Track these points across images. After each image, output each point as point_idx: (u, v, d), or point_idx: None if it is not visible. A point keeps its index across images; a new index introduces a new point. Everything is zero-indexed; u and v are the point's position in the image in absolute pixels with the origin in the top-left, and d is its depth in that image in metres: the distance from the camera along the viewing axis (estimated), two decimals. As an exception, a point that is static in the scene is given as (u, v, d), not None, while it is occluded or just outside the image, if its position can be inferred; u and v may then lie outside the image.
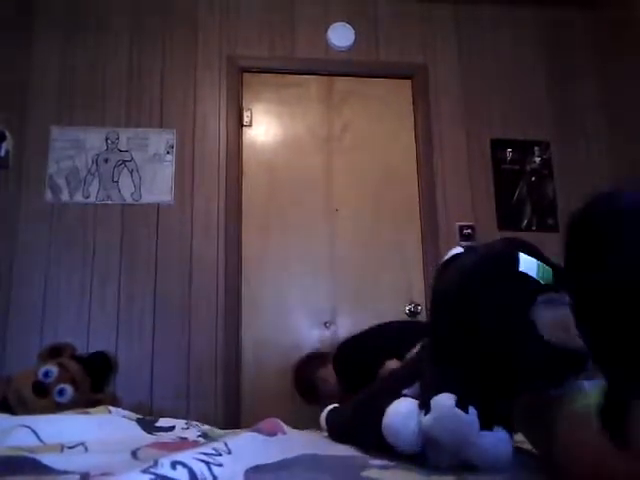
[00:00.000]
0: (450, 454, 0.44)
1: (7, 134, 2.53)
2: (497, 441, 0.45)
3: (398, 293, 2.67)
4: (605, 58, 3.00)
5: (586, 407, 0.47)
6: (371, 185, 2.83)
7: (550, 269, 0.47)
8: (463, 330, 0.47)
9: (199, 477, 0.33)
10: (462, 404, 0.44)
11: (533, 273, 0.46)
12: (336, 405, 0.68)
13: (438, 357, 0.50)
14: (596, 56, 3.06)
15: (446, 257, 0.54)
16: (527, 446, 0.64)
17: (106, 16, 2.81)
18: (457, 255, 0.53)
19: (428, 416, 0.44)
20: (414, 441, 0.45)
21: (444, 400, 0.44)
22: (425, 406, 0.45)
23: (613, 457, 0.43)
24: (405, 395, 0.51)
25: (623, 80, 2.88)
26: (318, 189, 2.80)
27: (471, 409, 0.44)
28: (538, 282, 0.46)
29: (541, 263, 0.47)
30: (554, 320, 0.44)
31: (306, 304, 2.66)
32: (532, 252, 0.48)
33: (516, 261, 0.46)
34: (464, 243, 0.56)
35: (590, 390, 0.48)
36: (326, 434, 0.65)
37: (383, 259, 2.74)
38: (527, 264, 0.46)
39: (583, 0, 3.05)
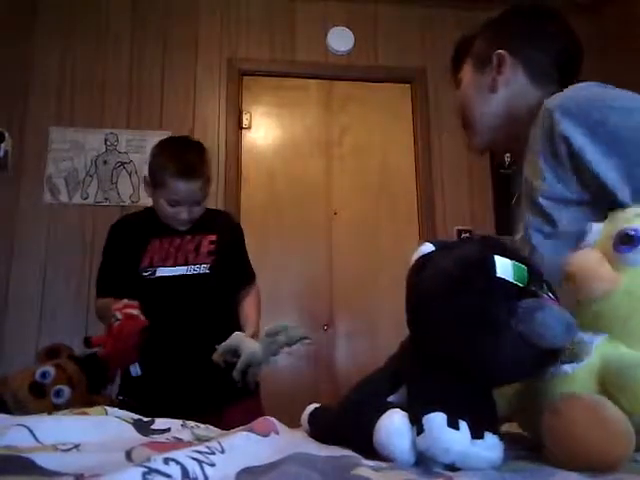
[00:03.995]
0: (444, 465, 0.46)
1: (6, 135, 2.53)
2: (488, 448, 0.47)
3: (396, 296, 2.66)
4: (605, 58, 3.01)
5: (569, 392, 0.48)
6: (370, 189, 2.83)
7: (524, 267, 0.48)
8: (445, 338, 0.48)
9: (191, 475, 0.34)
10: (453, 420, 0.46)
11: (509, 276, 0.47)
12: (317, 405, 0.67)
13: (422, 363, 0.51)
14: (596, 57, 3.06)
15: (416, 255, 0.54)
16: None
17: (106, 18, 2.82)
18: (429, 254, 0.53)
19: (421, 438, 0.46)
20: (408, 457, 0.47)
21: (435, 420, 0.46)
22: (417, 423, 0.46)
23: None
24: (391, 403, 0.52)
25: (623, 80, 2.88)
26: (317, 192, 2.80)
27: (462, 423, 0.46)
28: (516, 285, 0.47)
29: (516, 263, 0.48)
30: (535, 324, 0.45)
31: (304, 307, 2.66)
32: (504, 251, 0.48)
33: (493, 266, 0.47)
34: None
35: (575, 373, 0.50)
36: (306, 434, 0.65)
37: (381, 262, 2.75)
38: (503, 267, 0.47)
39: (583, 2, 3.07)
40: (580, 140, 0.81)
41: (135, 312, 1.34)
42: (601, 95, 0.85)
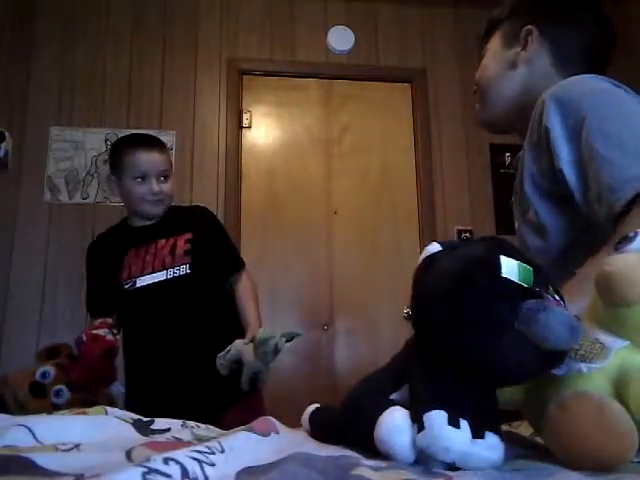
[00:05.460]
0: (444, 464, 0.46)
1: (6, 135, 2.54)
2: (489, 448, 0.47)
3: (396, 296, 2.67)
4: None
5: (583, 391, 0.48)
6: (370, 188, 2.83)
7: (530, 268, 0.48)
8: (448, 337, 0.48)
9: (191, 475, 0.34)
10: (454, 419, 0.46)
11: (514, 276, 0.47)
12: (318, 405, 0.67)
13: (424, 361, 0.51)
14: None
15: (424, 255, 0.54)
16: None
17: (106, 17, 2.82)
18: (435, 254, 0.53)
19: (421, 435, 0.46)
20: (408, 455, 0.47)
21: (436, 418, 0.46)
22: (418, 421, 0.46)
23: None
24: (393, 400, 0.52)
25: (623, 81, 2.88)
26: (317, 191, 2.80)
27: (462, 422, 0.46)
28: (521, 286, 0.47)
29: (521, 264, 0.48)
30: (538, 325, 0.45)
31: (304, 306, 2.66)
32: (511, 252, 0.48)
33: (498, 266, 0.47)
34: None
35: (590, 373, 0.49)
36: (306, 434, 0.65)
37: (381, 262, 2.75)
38: (508, 267, 0.47)
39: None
40: (557, 130, 0.80)
41: (101, 332, 1.29)
42: (598, 90, 0.82)
